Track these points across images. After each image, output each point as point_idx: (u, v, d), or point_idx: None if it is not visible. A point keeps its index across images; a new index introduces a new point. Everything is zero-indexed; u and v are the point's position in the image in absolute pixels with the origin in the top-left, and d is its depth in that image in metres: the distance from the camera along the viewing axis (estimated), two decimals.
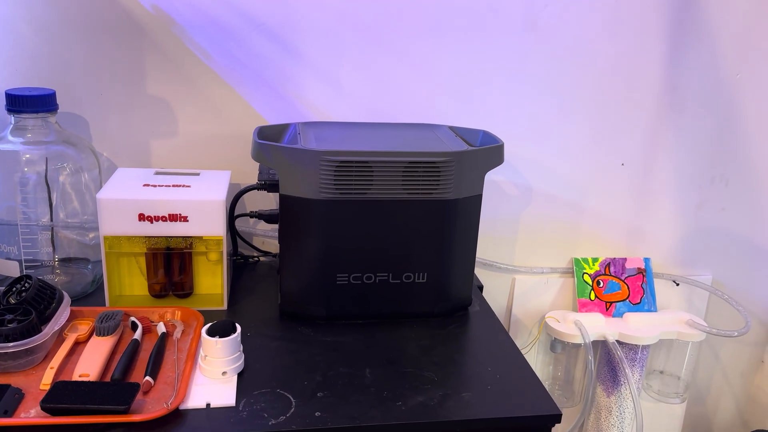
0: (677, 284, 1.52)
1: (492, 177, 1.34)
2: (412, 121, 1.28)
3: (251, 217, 1.12)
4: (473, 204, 1.05)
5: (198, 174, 1.13)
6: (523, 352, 1.17)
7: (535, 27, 1.25)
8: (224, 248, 1.05)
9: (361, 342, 1.00)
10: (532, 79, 1.29)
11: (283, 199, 1.00)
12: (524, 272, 1.45)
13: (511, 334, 1.50)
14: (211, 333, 0.87)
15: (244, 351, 0.91)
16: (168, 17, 1.14)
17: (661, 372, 1.54)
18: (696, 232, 1.50)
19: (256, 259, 1.28)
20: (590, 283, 1.46)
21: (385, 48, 1.22)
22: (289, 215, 1.01)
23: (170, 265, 1.07)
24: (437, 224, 1.02)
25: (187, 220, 1.02)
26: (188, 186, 1.06)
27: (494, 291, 1.46)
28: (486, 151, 1.04)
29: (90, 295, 1.11)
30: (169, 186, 1.06)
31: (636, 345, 1.42)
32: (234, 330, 0.88)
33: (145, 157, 1.22)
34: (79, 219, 1.12)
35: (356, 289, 1.03)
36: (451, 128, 1.17)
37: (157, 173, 1.13)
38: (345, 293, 1.03)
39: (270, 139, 1.10)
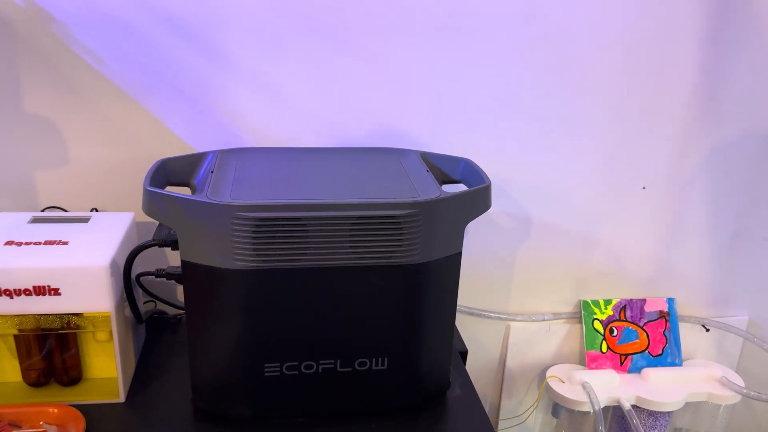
0: (707, 330, 1.25)
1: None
2: (373, 142, 0.99)
3: (157, 276, 0.84)
4: (449, 266, 0.78)
5: (88, 220, 0.86)
6: (518, 419, 0.91)
7: (535, 18, 0.96)
8: (114, 326, 0.78)
9: None
10: (531, 84, 1.01)
11: (187, 268, 0.72)
12: (521, 320, 1.18)
13: (504, 391, 1.24)
14: None
15: None
16: (44, 12, 0.86)
17: (680, 429, 1.28)
18: (731, 265, 1.23)
19: (179, 317, 1.01)
20: (602, 331, 1.19)
21: (339, 47, 0.93)
22: (195, 289, 0.73)
23: (48, 346, 0.80)
24: (400, 295, 0.75)
25: (60, 294, 0.75)
26: (65, 243, 0.79)
27: (484, 339, 1.20)
28: (465, 198, 0.76)
29: None
30: (40, 244, 0.78)
31: (657, 411, 1.15)
32: None
33: (29, 193, 0.95)
34: None
35: (292, 382, 0.77)
36: (423, 156, 0.89)
37: (34, 220, 0.85)
38: (277, 387, 0.77)
39: (178, 176, 0.82)
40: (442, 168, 0.88)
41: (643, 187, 1.13)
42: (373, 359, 0.78)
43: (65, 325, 0.78)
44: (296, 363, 0.76)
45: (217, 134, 0.95)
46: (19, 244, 0.78)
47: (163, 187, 0.78)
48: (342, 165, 0.84)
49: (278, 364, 0.76)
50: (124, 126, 0.93)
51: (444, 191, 0.75)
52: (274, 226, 0.69)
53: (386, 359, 0.78)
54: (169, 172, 0.81)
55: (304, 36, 0.92)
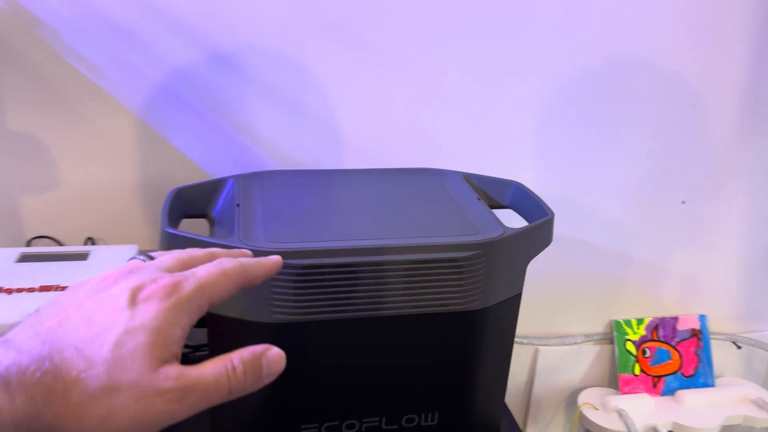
0: (739, 347, 1.19)
1: (504, 219, 0.98)
2: (403, 160, 0.89)
3: None
4: (509, 309, 0.69)
5: (87, 256, 0.74)
6: None
7: (577, 30, 0.88)
8: None
9: None
10: (565, 96, 0.92)
11: (213, 319, 0.62)
12: (551, 344, 1.10)
13: (530, 416, 1.17)
14: None
15: None
16: (29, 14, 0.74)
17: None
18: (763, 279, 1.17)
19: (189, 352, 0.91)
20: (634, 353, 1.12)
21: (368, 54, 0.83)
22: (223, 343, 0.63)
23: None
24: (455, 344, 0.67)
25: None
26: (63, 288, 0.67)
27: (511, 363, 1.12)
28: (529, 234, 0.67)
29: None
30: (34, 290, 0.67)
31: None
32: None
33: (15, 221, 0.83)
34: None
35: None
36: (466, 178, 0.80)
37: (23, 258, 0.73)
38: None
39: (194, 207, 0.72)
40: (488, 192, 0.79)
41: (683, 202, 1.06)
42: (423, 415, 0.69)
43: None
44: (337, 423, 0.67)
45: (229, 153, 0.84)
46: (9, 291, 0.67)
47: (179, 222, 0.68)
48: (380, 192, 0.74)
49: (317, 425, 0.67)
50: (123, 144, 0.81)
51: (506, 227, 0.65)
52: (319, 274, 0.59)
53: (437, 414, 0.69)
54: (185, 203, 0.70)
55: (328, 42, 0.81)
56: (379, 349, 0.65)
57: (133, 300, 0.34)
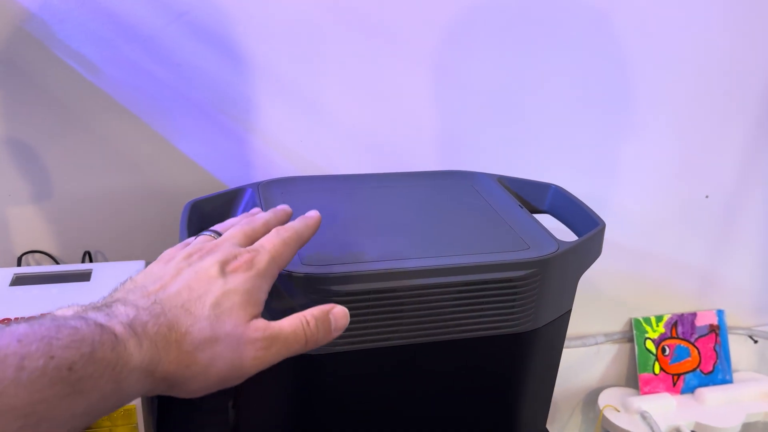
0: (756, 341, 1.17)
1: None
2: (427, 162, 0.83)
3: None
4: (559, 327, 0.64)
5: (89, 276, 0.67)
6: None
7: (601, 22, 0.82)
8: (140, 421, 0.61)
9: None
10: (586, 87, 0.87)
11: None
12: (572, 345, 1.06)
13: (548, 418, 1.13)
14: None
15: None
16: (18, 7, 0.65)
17: None
18: None
19: None
20: (654, 351, 1.09)
21: (391, 49, 0.76)
22: (255, 377, 0.57)
23: None
24: (504, 367, 0.62)
25: None
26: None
27: None
28: (583, 247, 0.62)
29: None
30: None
31: None
32: None
33: (4, 235, 0.75)
34: None
35: None
36: (500, 181, 0.74)
37: (18, 280, 0.66)
38: None
39: (211, 220, 0.64)
40: (525, 196, 0.74)
41: (706, 196, 1.02)
42: None
43: None
44: None
45: (241, 158, 0.77)
46: (7, 321, 0.59)
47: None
48: (413, 200, 0.68)
49: None
50: (124, 149, 0.74)
51: (559, 240, 0.60)
52: (362, 300, 0.53)
53: None
54: (201, 217, 0.63)
55: (347, 36, 0.75)
56: (421, 376, 0.59)
57: (223, 271, 0.41)
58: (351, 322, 0.54)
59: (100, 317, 0.35)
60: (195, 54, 0.71)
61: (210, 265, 0.41)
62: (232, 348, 0.38)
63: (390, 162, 0.81)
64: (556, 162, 0.92)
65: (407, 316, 0.55)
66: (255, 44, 0.72)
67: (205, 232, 0.47)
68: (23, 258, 0.75)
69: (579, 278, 0.63)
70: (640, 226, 1.01)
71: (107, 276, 0.68)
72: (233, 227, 0.46)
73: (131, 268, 0.69)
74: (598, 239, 0.64)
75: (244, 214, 0.51)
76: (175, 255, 0.43)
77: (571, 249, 0.59)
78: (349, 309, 0.53)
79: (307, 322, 0.42)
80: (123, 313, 0.36)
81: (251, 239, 0.45)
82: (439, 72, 0.80)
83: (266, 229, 0.47)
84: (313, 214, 0.49)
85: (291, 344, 0.41)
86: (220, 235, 0.46)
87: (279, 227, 0.46)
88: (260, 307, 0.41)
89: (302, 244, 0.47)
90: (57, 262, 0.77)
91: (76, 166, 0.73)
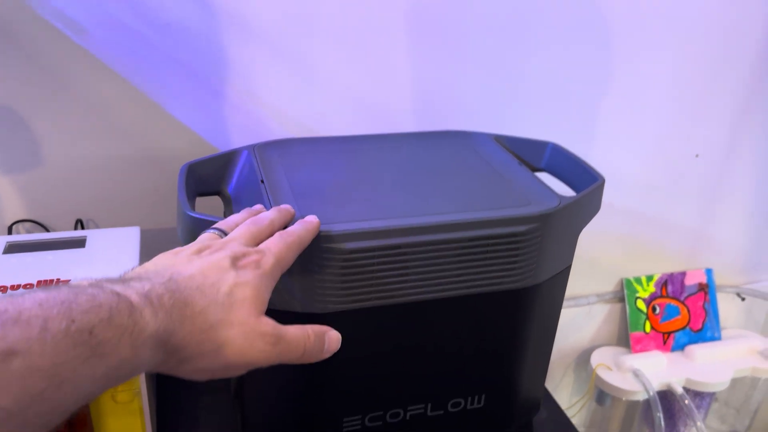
0: (743, 299, 1.19)
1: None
2: (423, 123, 0.83)
3: None
4: (559, 282, 0.64)
5: (84, 242, 0.66)
6: (568, 412, 0.81)
7: None
8: (143, 386, 0.61)
9: None
10: (577, 48, 0.87)
11: None
12: (565, 306, 1.07)
13: None
14: None
15: None
16: None
17: (716, 400, 1.24)
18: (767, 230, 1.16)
19: None
20: (645, 310, 1.11)
21: (383, 5, 0.75)
22: None
23: None
24: (506, 323, 0.62)
25: None
26: (66, 281, 0.59)
27: None
28: (584, 202, 0.62)
29: None
30: (32, 286, 0.59)
31: (705, 392, 1.09)
32: None
33: None
34: None
35: None
36: (498, 139, 0.74)
37: (11, 248, 0.65)
38: None
39: (206, 184, 0.64)
40: (522, 155, 0.73)
41: (696, 155, 1.02)
42: (469, 398, 0.65)
43: None
44: (381, 413, 0.62)
45: (234, 121, 0.75)
46: (4, 288, 0.58)
47: (193, 202, 0.60)
48: (412, 160, 0.67)
49: (360, 417, 0.62)
50: (114, 115, 0.72)
51: (560, 195, 0.60)
52: (368, 258, 0.53)
53: (483, 396, 0.65)
54: (197, 180, 0.62)
55: None
56: (425, 334, 0.59)
57: (235, 265, 0.42)
58: (357, 280, 0.54)
59: (117, 287, 0.35)
60: (184, 14, 0.69)
61: (221, 258, 0.42)
62: (244, 335, 0.39)
63: (384, 124, 0.80)
64: (545, 124, 0.92)
65: (412, 273, 0.55)
66: (244, 3, 0.71)
67: (209, 230, 0.48)
68: (13, 227, 0.73)
69: (579, 233, 0.63)
70: (630, 185, 1.02)
71: (102, 243, 0.67)
72: (239, 227, 0.47)
73: (126, 234, 0.68)
74: (598, 194, 0.64)
75: (247, 210, 0.52)
76: (183, 249, 0.43)
77: (573, 203, 0.59)
78: (355, 267, 0.53)
79: (308, 335, 0.43)
80: (139, 285, 0.36)
81: (257, 240, 0.46)
82: (432, 32, 0.79)
83: (271, 230, 0.48)
84: (312, 219, 0.50)
85: (292, 349, 0.42)
86: (225, 233, 0.47)
87: (283, 232, 0.47)
88: (266, 306, 0.42)
89: (303, 248, 0.48)
90: (48, 231, 0.75)
91: (66, 132, 0.72)
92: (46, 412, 0.29)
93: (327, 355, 0.45)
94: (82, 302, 0.31)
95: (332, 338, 0.45)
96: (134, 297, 0.34)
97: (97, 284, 0.35)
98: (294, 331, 0.43)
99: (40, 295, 0.31)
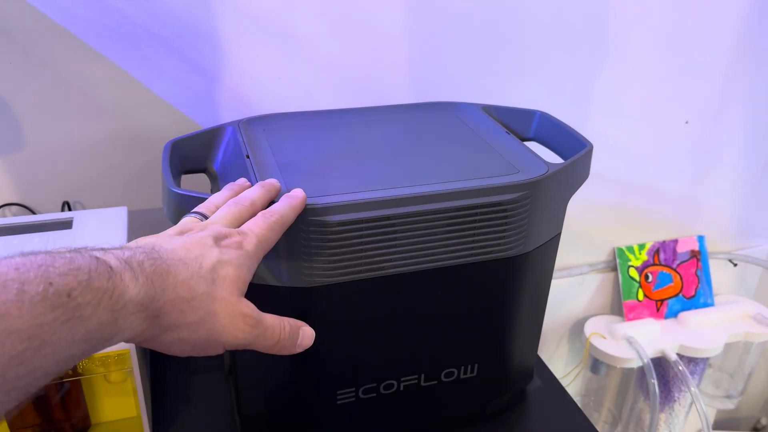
0: (735, 265, 1.20)
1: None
2: (409, 95, 0.82)
3: None
4: (550, 250, 0.64)
5: (70, 223, 0.66)
6: (563, 381, 0.82)
7: None
8: (135, 365, 0.61)
9: None
10: (562, 14, 0.86)
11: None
12: (557, 276, 1.07)
13: None
14: None
15: None
16: None
17: (710, 365, 1.25)
18: (757, 196, 1.16)
19: None
20: (637, 278, 1.11)
21: None
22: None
23: (43, 398, 0.62)
24: (497, 292, 0.62)
25: None
26: None
27: None
28: (572, 169, 0.62)
29: None
30: None
31: (698, 358, 1.10)
32: None
33: None
34: None
35: (368, 406, 0.63)
36: (486, 109, 0.73)
37: None
38: (350, 414, 0.63)
39: (192, 161, 0.63)
40: (510, 124, 0.73)
41: (686, 122, 1.02)
42: (462, 368, 0.65)
43: (66, 374, 0.59)
44: (374, 385, 0.62)
45: (217, 97, 0.74)
46: None
47: (179, 180, 0.59)
48: (399, 132, 0.67)
49: (353, 389, 0.62)
50: (95, 94, 0.71)
51: (548, 162, 0.60)
52: (356, 230, 0.52)
53: (476, 366, 0.65)
54: (182, 158, 0.62)
55: None
56: (417, 305, 0.59)
57: (218, 244, 0.41)
58: (345, 253, 0.54)
59: (96, 252, 0.35)
60: None
61: (205, 236, 0.41)
62: (226, 312, 0.39)
63: (371, 96, 0.79)
64: (533, 92, 0.91)
65: (401, 244, 0.55)
66: None
67: (190, 214, 0.47)
68: (2, 211, 0.73)
69: (568, 201, 0.63)
70: (620, 154, 1.01)
71: (89, 223, 0.66)
72: (220, 209, 0.47)
73: (113, 214, 0.68)
74: (586, 161, 0.64)
75: (229, 187, 0.51)
76: (164, 232, 0.43)
77: (561, 170, 0.59)
78: (343, 239, 0.53)
79: (284, 326, 0.43)
80: (119, 252, 0.36)
81: (239, 221, 0.46)
82: (419, 2, 0.78)
83: (253, 210, 0.47)
84: (297, 194, 0.49)
85: (267, 336, 0.42)
86: (205, 217, 0.47)
87: (265, 212, 0.47)
88: (246, 288, 0.42)
89: (287, 227, 0.47)
90: (35, 214, 0.74)
91: (46, 113, 0.70)
92: (27, 374, 0.29)
93: (299, 349, 0.45)
94: (59, 265, 0.31)
95: (306, 333, 0.45)
96: (113, 261, 0.34)
97: (76, 250, 0.35)
98: (271, 319, 0.43)
99: (17, 260, 0.31)
